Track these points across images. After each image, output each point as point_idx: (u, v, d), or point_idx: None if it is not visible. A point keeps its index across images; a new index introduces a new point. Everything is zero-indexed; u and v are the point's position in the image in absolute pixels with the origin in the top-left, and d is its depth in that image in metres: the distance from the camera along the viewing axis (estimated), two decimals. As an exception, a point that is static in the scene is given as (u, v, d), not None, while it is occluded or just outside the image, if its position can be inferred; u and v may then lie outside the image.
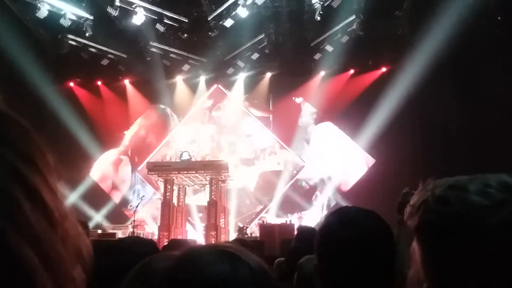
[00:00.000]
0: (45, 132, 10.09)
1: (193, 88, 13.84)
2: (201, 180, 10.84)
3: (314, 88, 13.16)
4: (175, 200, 10.62)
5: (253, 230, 11.44)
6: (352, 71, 13.07)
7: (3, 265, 0.42)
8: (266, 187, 13.13)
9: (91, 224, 10.34)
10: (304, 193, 12.92)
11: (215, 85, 13.92)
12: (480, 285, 0.66)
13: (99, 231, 10.37)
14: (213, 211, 9.90)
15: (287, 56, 12.78)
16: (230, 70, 13.41)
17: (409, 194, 1.71)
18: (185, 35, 12.16)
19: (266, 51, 12.58)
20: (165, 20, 11.57)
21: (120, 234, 9.77)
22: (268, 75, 13.56)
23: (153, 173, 10.55)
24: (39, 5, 10.59)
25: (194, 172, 10.31)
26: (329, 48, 12.22)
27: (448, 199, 0.70)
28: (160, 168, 10.51)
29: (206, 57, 12.83)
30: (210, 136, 13.68)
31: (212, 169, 10.24)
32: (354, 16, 11.24)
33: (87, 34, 11.71)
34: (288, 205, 12.77)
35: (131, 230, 10.41)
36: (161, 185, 11.09)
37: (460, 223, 0.68)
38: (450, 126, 11.18)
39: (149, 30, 11.70)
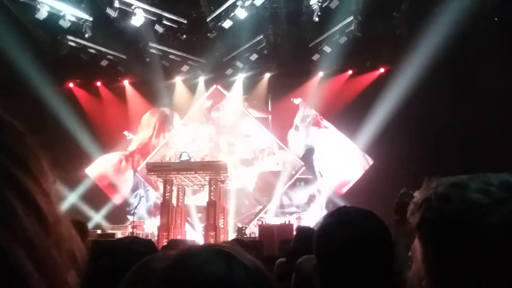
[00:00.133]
0: (44, 133, 10.19)
1: (192, 88, 13.84)
2: (200, 181, 10.84)
3: (313, 89, 13.15)
4: (174, 201, 10.62)
5: (252, 231, 11.43)
6: (350, 72, 13.08)
7: None
8: (265, 187, 13.12)
9: (90, 224, 10.33)
10: (302, 194, 12.93)
11: (214, 86, 13.92)
12: (480, 283, 0.67)
13: (99, 231, 10.37)
14: (212, 212, 9.89)
15: (286, 57, 12.78)
16: (229, 71, 13.42)
17: (407, 195, 1.71)
18: (184, 36, 12.15)
19: (265, 52, 12.59)
20: (164, 21, 11.55)
21: (119, 234, 9.76)
22: (267, 76, 13.55)
23: (153, 173, 10.55)
24: (38, 6, 10.58)
25: (193, 172, 10.30)
26: (327, 49, 12.21)
27: (449, 196, 0.71)
28: (160, 169, 10.51)
29: (205, 58, 12.83)
30: (209, 137, 13.67)
31: (211, 169, 10.24)
32: (352, 17, 11.24)
33: (86, 35, 11.69)
34: (287, 206, 12.77)
35: (130, 230, 10.41)
36: (160, 186, 11.09)
37: (460, 221, 0.69)
38: (448, 126, 11.18)
39: (148, 31, 11.68)
